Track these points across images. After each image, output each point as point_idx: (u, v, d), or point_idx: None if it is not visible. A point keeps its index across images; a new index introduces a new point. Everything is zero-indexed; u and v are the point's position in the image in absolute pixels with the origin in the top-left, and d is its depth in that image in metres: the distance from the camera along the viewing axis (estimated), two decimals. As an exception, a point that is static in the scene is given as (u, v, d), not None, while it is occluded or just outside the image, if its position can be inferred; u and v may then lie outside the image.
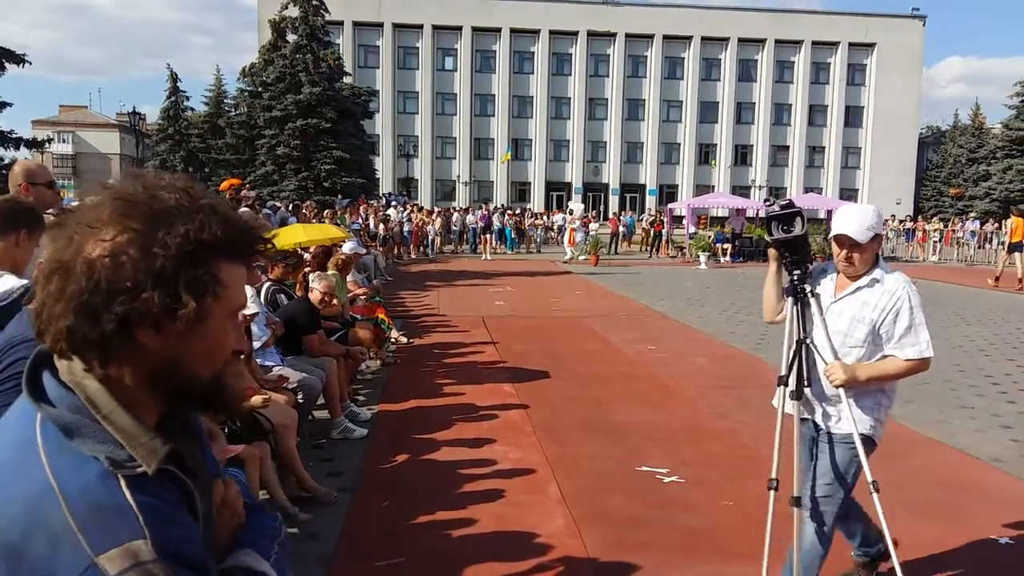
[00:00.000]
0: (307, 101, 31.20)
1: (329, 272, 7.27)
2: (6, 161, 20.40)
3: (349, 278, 8.72)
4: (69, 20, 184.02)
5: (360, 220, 20.37)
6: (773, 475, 3.05)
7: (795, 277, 3.04)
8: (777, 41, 54.07)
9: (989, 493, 4.87)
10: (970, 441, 5.90)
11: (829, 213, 29.65)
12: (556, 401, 6.84)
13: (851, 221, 2.94)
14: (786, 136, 55.86)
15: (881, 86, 54.42)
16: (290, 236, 9.21)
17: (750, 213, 30.13)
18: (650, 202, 50.57)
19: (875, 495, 2.87)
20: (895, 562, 2.89)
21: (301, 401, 5.15)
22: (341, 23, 47.23)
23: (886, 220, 34.90)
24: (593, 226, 28.67)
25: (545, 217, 35.49)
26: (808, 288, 3.03)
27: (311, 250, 8.99)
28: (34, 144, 22.54)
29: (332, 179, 31.02)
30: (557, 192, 53.20)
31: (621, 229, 31.62)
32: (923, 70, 57.23)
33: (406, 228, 25.05)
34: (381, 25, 51.50)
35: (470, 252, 27.92)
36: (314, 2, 32.34)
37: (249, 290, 5.02)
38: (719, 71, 54.82)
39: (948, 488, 4.92)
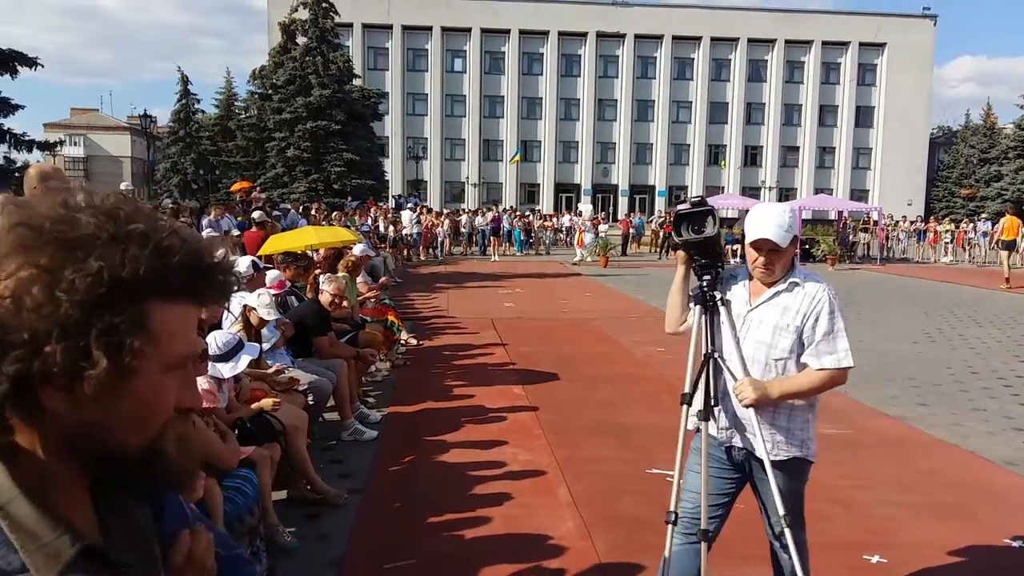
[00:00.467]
0: (317, 103, 31.32)
1: (339, 274, 7.30)
2: (18, 164, 20.51)
3: (359, 280, 8.75)
4: (78, 23, 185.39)
5: (369, 222, 20.44)
6: (672, 507, 2.75)
7: (704, 283, 2.73)
8: (787, 41, 53.83)
9: (1002, 495, 4.86)
10: (983, 444, 5.87)
11: (839, 214, 29.48)
12: (565, 403, 6.84)
13: (769, 223, 2.61)
14: (796, 137, 55.59)
15: (892, 86, 54.09)
16: (300, 238, 9.25)
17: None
18: (659, 203, 50.51)
19: (787, 531, 2.62)
20: None
21: (312, 403, 5.18)
22: (351, 25, 47.37)
23: (896, 221, 34.70)
24: (603, 227, 28.60)
25: (554, 219, 35.48)
26: (718, 295, 2.73)
27: (322, 252, 9.05)
28: (46, 146, 22.64)
29: (342, 181, 31.13)
30: (566, 193, 53.19)
31: (631, 231, 31.61)
32: (934, 70, 57.02)
33: (415, 230, 25.14)
34: (390, 27, 51.60)
35: (479, 254, 28.00)
36: (324, 4, 32.46)
37: (264, 296, 5.03)
38: (729, 72, 54.60)
39: (961, 490, 4.90)
